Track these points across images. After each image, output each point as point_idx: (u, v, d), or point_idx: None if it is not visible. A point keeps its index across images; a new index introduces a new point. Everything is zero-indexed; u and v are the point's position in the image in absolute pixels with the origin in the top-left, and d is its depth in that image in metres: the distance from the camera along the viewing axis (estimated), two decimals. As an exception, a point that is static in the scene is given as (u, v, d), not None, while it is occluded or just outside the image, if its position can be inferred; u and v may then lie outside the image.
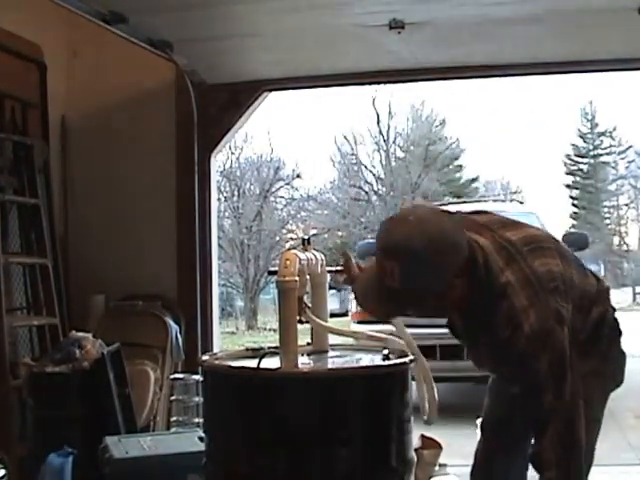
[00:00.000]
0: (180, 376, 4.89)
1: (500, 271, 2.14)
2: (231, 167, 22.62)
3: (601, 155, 38.38)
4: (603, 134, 38.06)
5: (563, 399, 2.12)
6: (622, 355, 2.50)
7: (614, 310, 2.48)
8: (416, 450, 3.48)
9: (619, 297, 30.75)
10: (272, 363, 2.39)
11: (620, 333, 2.48)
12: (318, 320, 2.61)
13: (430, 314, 2.38)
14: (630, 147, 35.35)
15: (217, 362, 2.63)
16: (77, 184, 5.43)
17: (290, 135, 34.41)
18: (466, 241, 2.12)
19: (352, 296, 7.87)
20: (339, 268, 2.60)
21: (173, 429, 4.64)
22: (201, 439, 3.13)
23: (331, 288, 3.21)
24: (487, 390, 2.70)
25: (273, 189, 23.54)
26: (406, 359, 2.49)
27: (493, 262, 2.15)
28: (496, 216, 2.41)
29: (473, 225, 2.27)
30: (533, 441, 2.23)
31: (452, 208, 2.52)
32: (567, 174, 39.75)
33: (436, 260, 2.02)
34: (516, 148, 38.11)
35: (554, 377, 2.12)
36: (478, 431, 2.71)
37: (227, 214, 22.16)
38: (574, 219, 37.98)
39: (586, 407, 2.19)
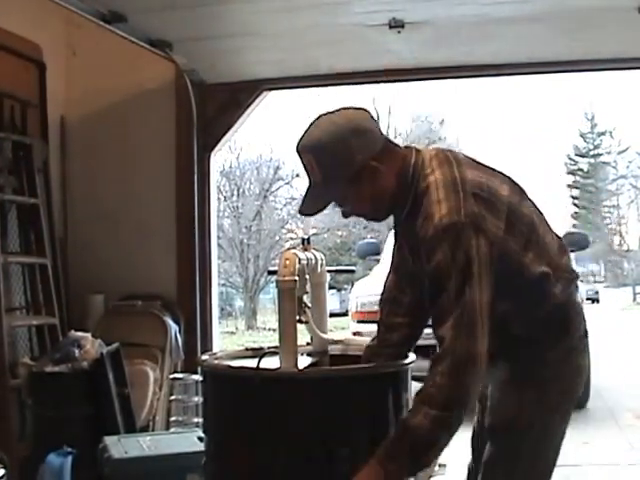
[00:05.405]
0: (180, 376, 4.89)
1: (430, 172, 2.12)
2: (231, 167, 22.61)
3: (601, 155, 38.45)
4: (603, 134, 38.12)
5: (461, 300, 2.01)
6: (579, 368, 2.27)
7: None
8: (416, 450, 3.47)
9: (619, 297, 30.77)
10: (272, 363, 2.39)
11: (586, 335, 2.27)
12: (317, 330, 2.62)
13: (372, 210, 2.23)
14: (630, 147, 35.41)
15: (217, 362, 2.63)
16: (76, 184, 5.42)
17: (290, 135, 34.36)
18: (378, 128, 2.17)
19: (352, 295, 7.87)
20: (339, 268, 2.60)
21: (172, 429, 4.64)
22: (201, 439, 3.12)
23: (331, 288, 3.21)
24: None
25: (273, 189, 23.53)
26: (406, 360, 2.49)
27: (425, 164, 2.15)
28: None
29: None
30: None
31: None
32: (568, 174, 39.82)
33: (342, 144, 2.09)
34: (516, 148, 38.14)
35: (456, 275, 1.99)
36: None
37: (227, 214, 22.15)
38: (575, 219, 38.02)
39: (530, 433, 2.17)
